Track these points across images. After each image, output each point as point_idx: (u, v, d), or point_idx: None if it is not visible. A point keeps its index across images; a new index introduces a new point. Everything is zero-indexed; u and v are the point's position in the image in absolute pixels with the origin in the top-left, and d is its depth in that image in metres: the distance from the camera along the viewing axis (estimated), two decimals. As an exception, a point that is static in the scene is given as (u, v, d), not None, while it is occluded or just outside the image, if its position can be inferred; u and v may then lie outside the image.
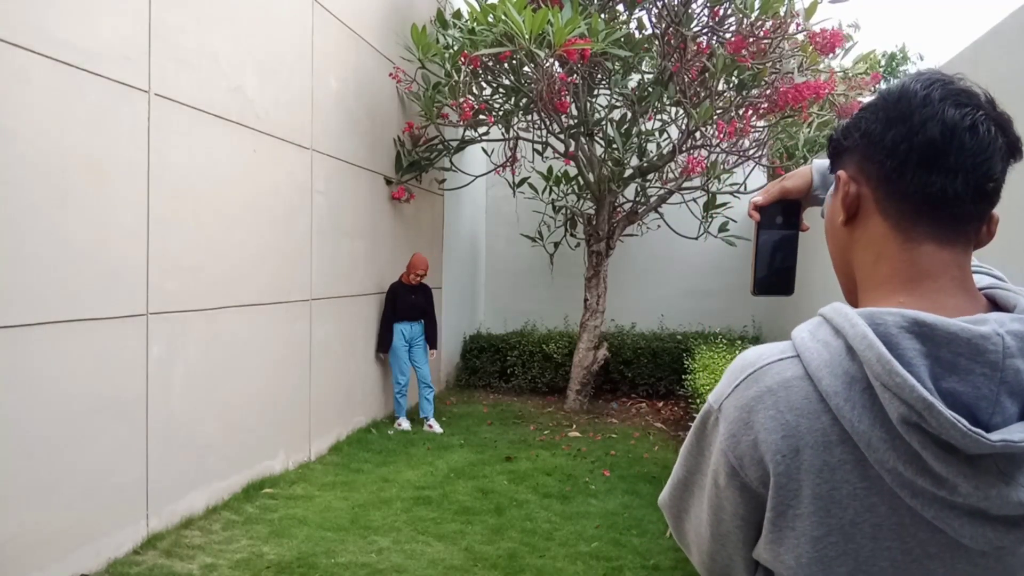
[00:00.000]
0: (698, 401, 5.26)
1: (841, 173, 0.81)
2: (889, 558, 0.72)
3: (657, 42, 6.83)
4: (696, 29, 6.61)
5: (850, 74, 6.88)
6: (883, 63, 15.57)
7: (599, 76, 7.10)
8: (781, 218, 1.07)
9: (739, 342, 7.82)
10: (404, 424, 6.63)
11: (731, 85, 6.75)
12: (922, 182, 0.74)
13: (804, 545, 0.74)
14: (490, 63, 6.52)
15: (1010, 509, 0.67)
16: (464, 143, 7.42)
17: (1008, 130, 0.75)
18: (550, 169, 7.85)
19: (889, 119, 0.76)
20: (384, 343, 6.66)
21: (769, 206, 1.07)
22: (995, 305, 0.78)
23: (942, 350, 0.69)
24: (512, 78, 6.58)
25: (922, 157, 0.74)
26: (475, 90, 6.67)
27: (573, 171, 7.55)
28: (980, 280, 0.86)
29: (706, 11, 6.74)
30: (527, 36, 5.54)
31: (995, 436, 0.65)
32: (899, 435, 0.68)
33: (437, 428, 6.65)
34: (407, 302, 6.70)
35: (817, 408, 0.72)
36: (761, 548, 0.79)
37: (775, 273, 1.07)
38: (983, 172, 0.74)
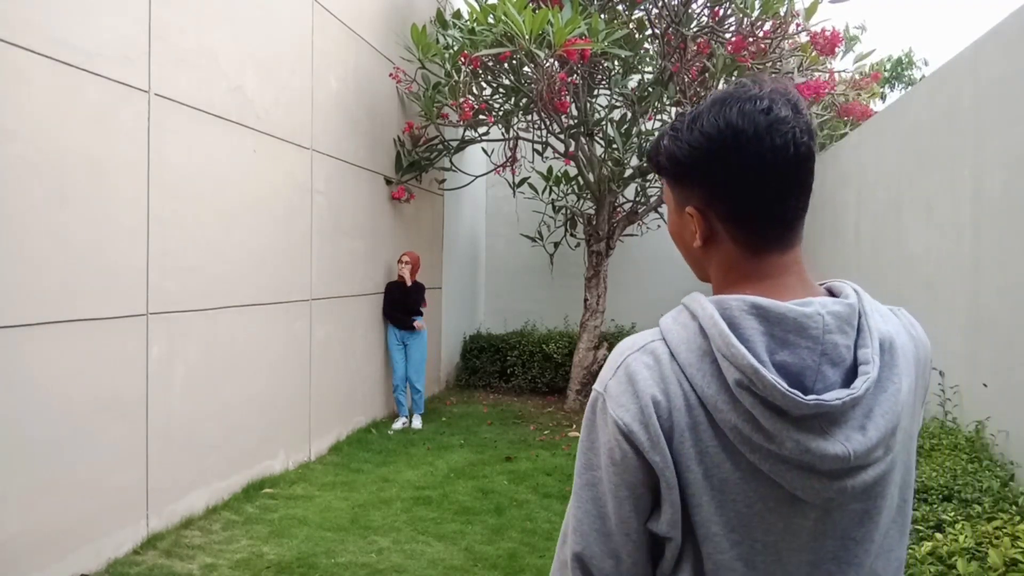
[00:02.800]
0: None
1: (690, 210, 0.90)
2: (734, 510, 0.83)
3: (657, 42, 6.83)
4: (696, 29, 6.61)
5: (856, 75, 6.88)
6: (888, 67, 15.54)
7: (599, 76, 7.10)
8: None
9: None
10: (399, 424, 6.63)
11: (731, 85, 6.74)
12: (766, 212, 0.86)
13: (670, 497, 0.84)
14: (490, 63, 6.52)
15: (829, 462, 0.78)
16: (464, 143, 7.43)
17: (811, 128, 0.86)
18: (550, 169, 7.85)
19: (727, 162, 0.85)
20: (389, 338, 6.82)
21: None
22: (831, 295, 0.90)
23: (775, 328, 0.81)
24: (512, 78, 6.58)
25: (759, 190, 0.85)
26: (475, 90, 6.67)
27: (573, 171, 7.55)
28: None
29: (706, 11, 6.74)
30: (527, 36, 5.54)
31: (809, 398, 0.77)
32: (737, 398, 0.79)
33: (415, 423, 6.67)
34: (399, 302, 6.73)
35: (680, 378, 0.84)
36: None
37: None
38: (806, 183, 0.87)
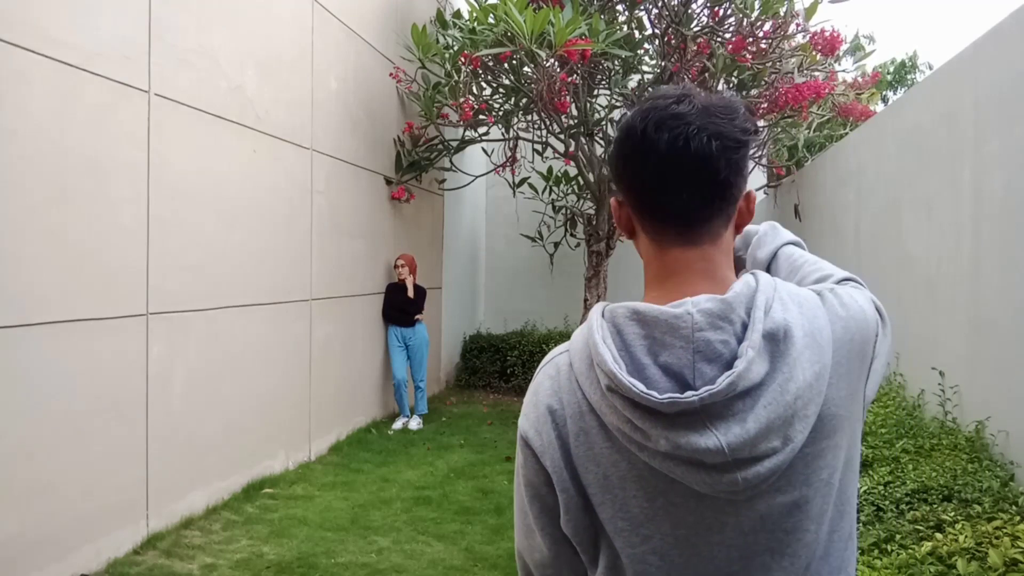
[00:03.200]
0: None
1: (613, 200, 0.96)
2: (638, 505, 0.86)
3: (657, 42, 6.83)
4: (696, 29, 6.61)
5: (857, 76, 6.89)
6: (891, 70, 15.53)
7: (599, 76, 7.10)
8: None
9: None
10: (399, 424, 6.64)
11: (731, 85, 6.75)
12: (658, 203, 0.90)
13: (574, 501, 0.90)
14: (490, 63, 6.52)
15: (707, 456, 0.79)
16: (464, 143, 7.42)
17: (721, 131, 0.86)
18: (550, 169, 7.85)
19: (624, 156, 0.90)
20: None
21: None
22: None
23: (655, 331, 0.83)
24: (512, 78, 6.58)
25: (652, 184, 0.88)
26: (475, 90, 6.67)
27: (573, 171, 7.55)
28: (813, 274, 1.07)
29: (706, 11, 6.74)
30: (528, 36, 5.54)
31: (664, 396, 0.79)
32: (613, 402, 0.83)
33: (412, 425, 6.67)
34: (399, 304, 6.73)
35: (575, 386, 0.89)
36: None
37: None
38: (705, 180, 0.87)
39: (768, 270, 1.16)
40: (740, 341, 0.82)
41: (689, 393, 0.79)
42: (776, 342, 0.82)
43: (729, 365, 0.81)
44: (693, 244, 0.90)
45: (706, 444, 0.79)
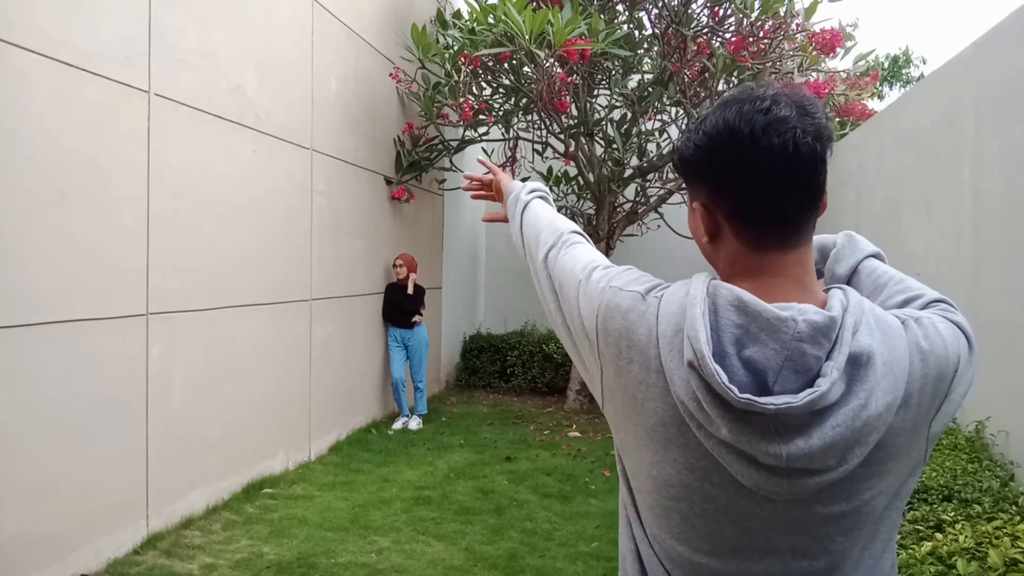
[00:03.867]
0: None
1: (696, 205, 0.95)
2: (675, 468, 0.88)
3: (657, 42, 6.83)
4: (696, 29, 6.61)
5: (853, 75, 6.88)
6: (886, 65, 15.51)
7: (599, 76, 7.10)
8: None
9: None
10: (399, 424, 6.63)
11: (731, 85, 6.75)
12: (763, 210, 0.88)
13: (619, 423, 0.95)
14: (490, 63, 6.52)
15: (765, 458, 0.81)
16: (464, 143, 7.42)
17: (821, 131, 0.86)
18: (550, 169, 7.85)
19: (724, 160, 0.88)
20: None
21: None
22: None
23: (751, 324, 0.83)
24: (512, 78, 6.58)
25: (759, 190, 0.87)
26: (475, 90, 6.67)
27: (573, 171, 7.55)
28: (903, 292, 1.06)
29: (706, 11, 6.74)
30: (527, 36, 5.54)
31: (743, 396, 0.79)
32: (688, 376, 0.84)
33: (412, 425, 6.67)
34: (392, 301, 6.73)
35: (654, 341, 0.89)
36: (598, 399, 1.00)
37: None
38: (810, 184, 0.88)
39: (848, 284, 1.13)
40: (828, 359, 0.82)
41: (767, 401, 0.79)
42: (858, 366, 0.82)
43: (812, 380, 0.81)
44: (792, 247, 0.90)
45: (767, 448, 0.80)
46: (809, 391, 0.79)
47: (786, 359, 0.81)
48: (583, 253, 1.11)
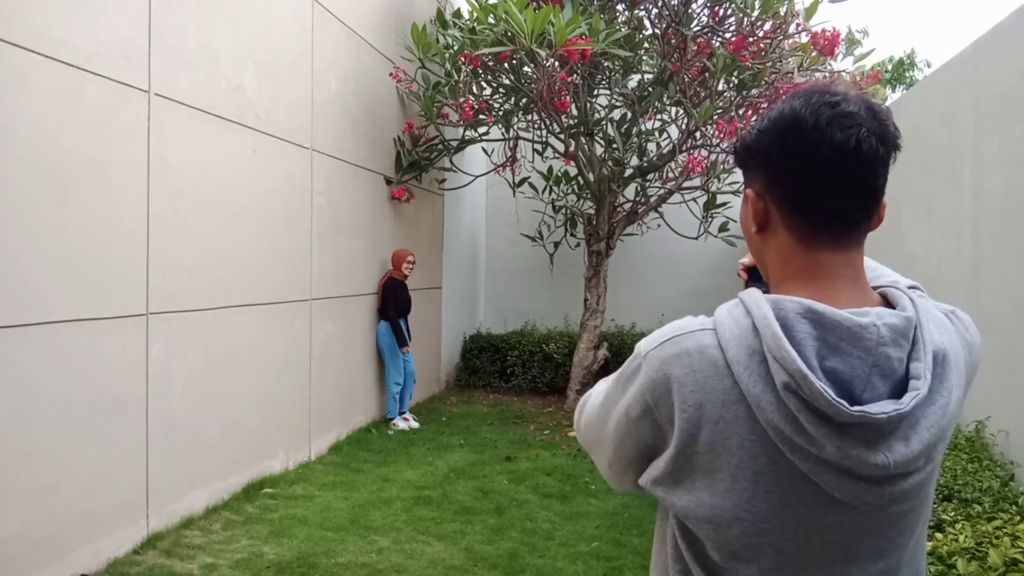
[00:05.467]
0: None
1: (749, 192, 0.93)
2: (767, 501, 0.85)
3: (657, 42, 6.83)
4: (696, 29, 6.61)
5: (855, 75, 6.88)
6: (889, 68, 15.48)
7: (599, 76, 7.10)
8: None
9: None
10: (401, 424, 6.62)
11: (731, 85, 6.75)
12: (818, 202, 0.87)
13: (698, 481, 0.88)
14: (490, 63, 6.52)
15: (869, 470, 0.80)
16: (464, 143, 7.42)
17: (887, 136, 0.86)
18: (550, 169, 7.85)
19: (784, 146, 0.87)
20: (402, 338, 6.65)
21: (754, 266, 1.20)
22: (886, 301, 0.91)
23: (829, 334, 0.81)
24: (512, 78, 6.58)
25: (816, 180, 0.86)
26: (475, 90, 6.66)
27: (573, 171, 7.55)
28: (880, 279, 1.03)
29: (706, 11, 6.74)
30: (528, 36, 5.54)
31: (855, 409, 0.78)
32: (783, 399, 0.80)
33: (414, 423, 6.65)
34: (404, 299, 6.71)
35: (722, 372, 0.85)
36: (657, 482, 0.93)
37: None
38: (869, 185, 0.87)
39: None
40: (910, 360, 0.82)
41: (877, 410, 0.78)
42: (939, 364, 0.83)
43: (900, 383, 0.82)
44: (843, 248, 0.88)
45: (875, 459, 0.79)
46: (913, 394, 0.80)
47: (873, 366, 0.81)
48: (595, 392, 1.08)
